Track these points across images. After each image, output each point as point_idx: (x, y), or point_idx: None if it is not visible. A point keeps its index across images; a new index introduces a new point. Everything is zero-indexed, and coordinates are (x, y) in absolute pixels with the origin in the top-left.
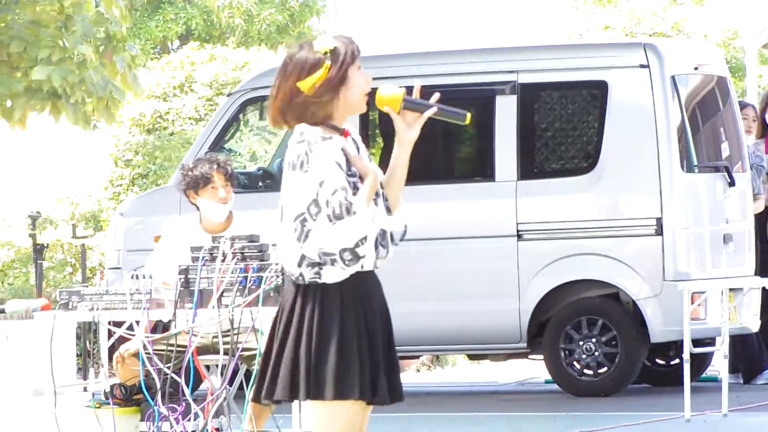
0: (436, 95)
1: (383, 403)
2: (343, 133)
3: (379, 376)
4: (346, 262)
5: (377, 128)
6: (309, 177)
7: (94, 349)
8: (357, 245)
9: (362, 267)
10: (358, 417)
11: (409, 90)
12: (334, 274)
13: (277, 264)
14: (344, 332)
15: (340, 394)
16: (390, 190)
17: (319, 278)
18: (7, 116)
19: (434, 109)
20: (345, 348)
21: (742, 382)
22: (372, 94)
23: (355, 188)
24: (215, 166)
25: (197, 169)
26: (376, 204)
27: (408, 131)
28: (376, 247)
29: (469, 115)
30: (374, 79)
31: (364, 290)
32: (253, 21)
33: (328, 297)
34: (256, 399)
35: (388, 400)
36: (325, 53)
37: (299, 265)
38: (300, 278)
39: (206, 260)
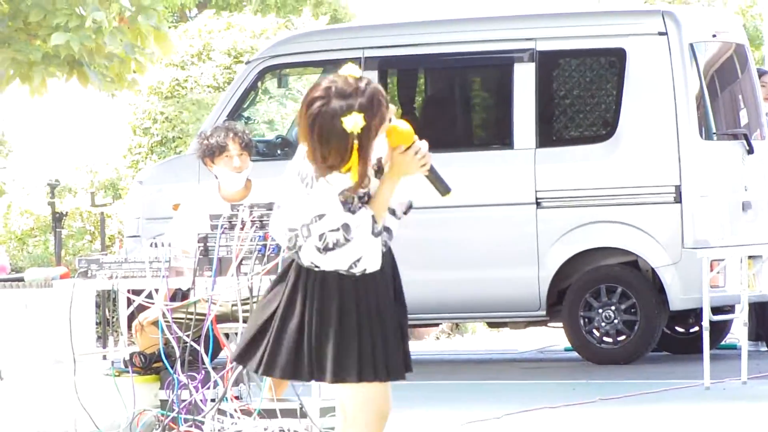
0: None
1: (398, 379)
2: None
3: (390, 354)
4: (346, 273)
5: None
6: (310, 202)
7: (113, 317)
8: (351, 267)
9: (363, 273)
10: (385, 390)
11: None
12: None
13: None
14: (343, 314)
15: (338, 376)
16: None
17: (317, 269)
18: (28, 82)
19: (427, 169)
20: (345, 330)
21: (763, 349)
22: None
23: (367, 195)
24: (231, 135)
25: (213, 137)
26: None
27: (402, 174)
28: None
29: (451, 192)
30: (393, 47)
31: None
32: None
33: (329, 278)
34: (240, 362)
35: (404, 376)
36: (354, 134)
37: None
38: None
39: (225, 228)
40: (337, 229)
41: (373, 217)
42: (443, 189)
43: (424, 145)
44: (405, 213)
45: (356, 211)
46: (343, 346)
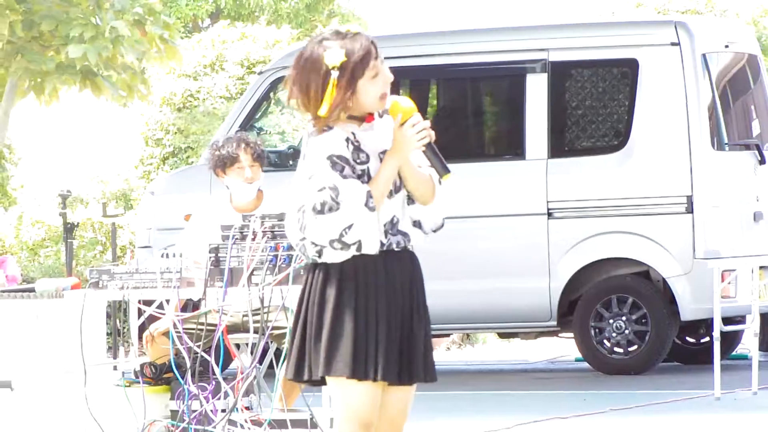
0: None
1: (391, 380)
2: (366, 119)
3: (379, 355)
4: (339, 250)
5: None
6: (303, 170)
7: (124, 327)
8: (341, 235)
9: (361, 252)
10: (368, 396)
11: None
12: (333, 255)
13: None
14: (338, 312)
15: (329, 372)
16: (407, 184)
17: (319, 257)
18: (39, 93)
19: (425, 144)
20: (337, 328)
21: None
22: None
23: (366, 176)
24: (243, 146)
25: (225, 148)
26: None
27: (401, 150)
28: (386, 234)
29: (449, 175)
30: (405, 57)
31: (369, 271)
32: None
33: (328, 277)
34: (291, 378)
35: (396, 380)
36: (333, 68)
37: (298, 244)
38: (305, 257)
39: (236, 239)
40: (323, 189)
41: (368, 192)
42: (442, 170)
43: (424, 122)
44: (434, 231)
45: (348, 177)
46: (335, 343)
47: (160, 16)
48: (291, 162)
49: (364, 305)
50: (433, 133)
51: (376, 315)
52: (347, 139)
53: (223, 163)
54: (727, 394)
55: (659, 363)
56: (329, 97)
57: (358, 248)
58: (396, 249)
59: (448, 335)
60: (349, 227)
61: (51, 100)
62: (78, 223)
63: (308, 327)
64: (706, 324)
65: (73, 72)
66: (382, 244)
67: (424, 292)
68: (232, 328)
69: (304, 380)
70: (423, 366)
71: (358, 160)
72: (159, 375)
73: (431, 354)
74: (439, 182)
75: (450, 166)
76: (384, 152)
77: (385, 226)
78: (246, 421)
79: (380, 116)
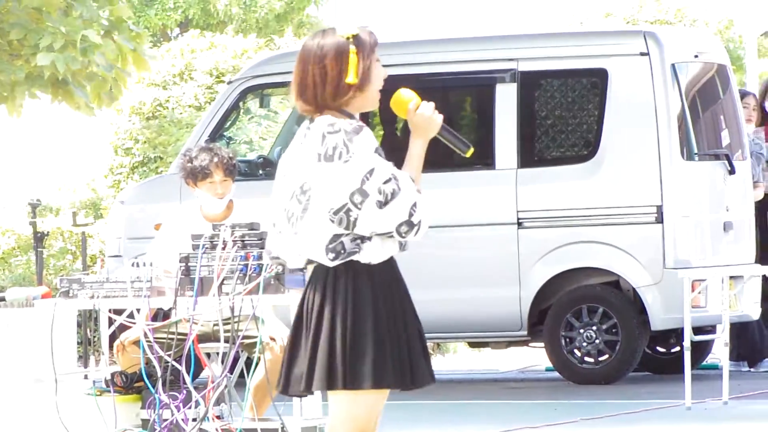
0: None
1: (425, 385)
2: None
3: (416, 360)
4: (403, 234)
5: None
6: (351, 167)
7: (94, 336)
8: (410, 214)
9: (418, 234)
10: (380, 404)
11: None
12: (378, 250)
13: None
14: (378, 318)
15: (378, 382)
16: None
17: (358, 250)
18: (7, 103)
19: (439, 126)
20: (380, 335)
21: (744, 369)
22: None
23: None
24: (215, 160)
25: (198, 159)
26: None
27: (427, 130)
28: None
29: (471, 150)
30: None
31: (394, 273)
32: (250, 9)
33: (360, 282)
34: (285, 392)
35: (431, 381)
36: (348, 38)
37: (329, 245)
38: (331, 258)
39: (207, 248)
40: (390, 179)
41: (411, 177)
42: (464, 147)
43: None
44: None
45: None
46: (355, 352)
47: (127, 25)
48: (260, 171)
49: (400, 308)
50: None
51: (408, 316)
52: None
53: (195, 176)
54: (697, 404)
55: (630, 373)
56: (354, 64)
57: (417, 230)
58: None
59: None
60: (415, 206)
61: (19, 110)
62: (48, 232)
63: (337, 336)
64: (677, 334)
65: (42, 83)
66: (401, 246)
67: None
68: (203, 338)
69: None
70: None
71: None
72: (130, 384)
73: None
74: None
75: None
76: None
77: None
78: (217, 430)
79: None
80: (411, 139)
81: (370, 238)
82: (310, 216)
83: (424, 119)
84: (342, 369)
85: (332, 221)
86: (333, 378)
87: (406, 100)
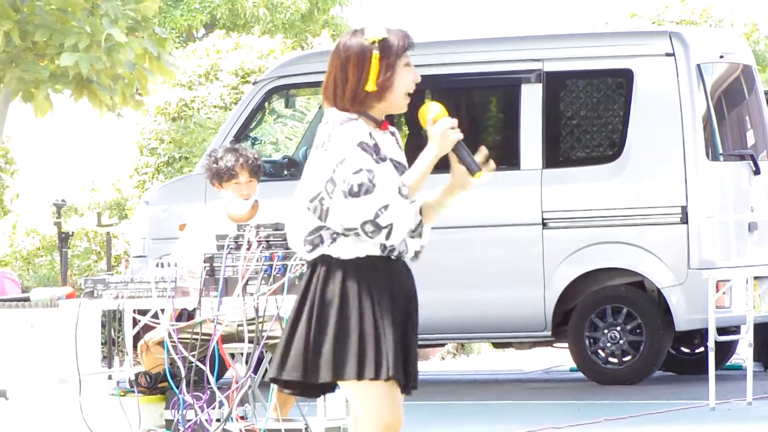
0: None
1: (399, 379)
2: (381, 125)
3: (389, 354)
4: (369, 234)
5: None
6: (328, 155)
7: (118, 337)
8: (377, 215)
9: (388, 240)
10: (387, 396)
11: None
12: (349, 247)
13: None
14: (342, 313)
15: (337, 376)
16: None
17: (331, 245)
18: (33, 101)
19: (456, 142)
20: (342, 328)
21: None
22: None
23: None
24: (241, 161)
25: (223, 160)
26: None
27: (439, 144)
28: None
29: (481, 173)
30: None
31: (371, 273)
32: (277, 10)
33: (330, 276)
34: (274, 381)
35: (401, 380)
36: (374, 42)
37: (307, 238)
38: (308, 251)
39: (231, 248)
40: (360, 170)
41: (401, 181)
42: (475, 168)
43: (453, 120)
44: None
45: (380, 162)
46: (340, 344)
47: (153, 25)
48: (285, 172)
49: (369, 305)
50: (461, 134)
51: (382, 315)
52: (370, 134)
53: (220, 177)
54: (721, 405)
55: (654, 373)
56: (374, 71)
57: (388, 234)
58: (392, 257)
59: (442, 345)
60: (385, 208)
61: (45, 110)
62: (73, 232)
63: (310, 329)
64: (701, 334)
65: (66, 81)
66: (385, 247)
67: (416, 304)
68: (227, 338)
69: (293, 384)
70: (413, 377)
71: (379, 156)
72: (154, 384)
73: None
74: (472, 178)
75: (444, 176)
76: (395, 160)
77: None
78: (241, 431)
79: (391, 133)
80: (425, 149)
81: (346, 234)
82: (295, 206)
83: (439, 134)
84: (302, 361)
85: (309, 209)
86: (309, 370)
87: (428, 112)
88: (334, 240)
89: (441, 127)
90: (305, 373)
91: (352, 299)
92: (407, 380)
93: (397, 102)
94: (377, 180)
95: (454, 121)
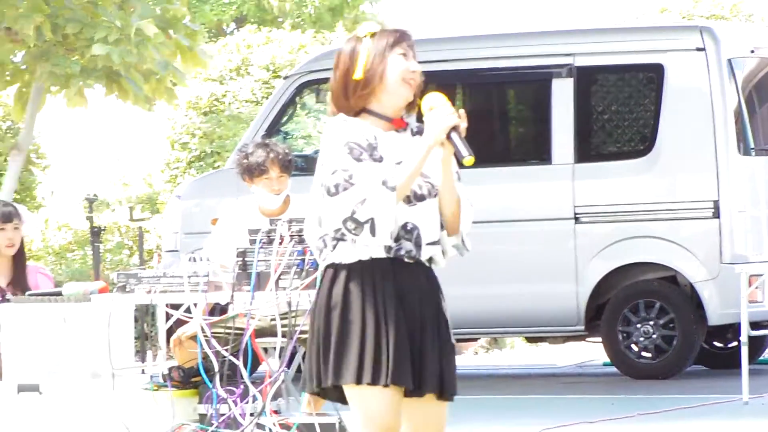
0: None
1: (403, 385)
2: (392, 121)
3: (390, 360)
4: (352, 231)
5: None
6: (318, 161)
7: (151, 331)
8: (353, 211)
9: (375, 234)
10: (384, 402)
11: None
12: (346, 250)
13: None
14: (345, 317)
15: (338, 379)
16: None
17: (332, 251)
18: (65, 94)
19: (452, 127)
20: (344, 333)
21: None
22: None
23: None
24: (271, 156)
25: (254, 156)
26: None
27: (431, 130)
28: (399, 239)
29: (472, 158)
30: (431, 62)
31: (377, 276)
32: (303, 4)
33: (335, 281)
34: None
35: (410, 385)
36: (365, 36)
37: (315, 243)
38: (317, 255)
39: (264, 243)
40: (336, 171)
41: (389, 173)
42: (466, 152)
43: (452, 108)
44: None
45: (365, 161)
46: (342, 348)
47: (183, 24)
48: (317, 166)
49: (372, 309)
50: (462, 121)
51: (386, 319)
52: (365, 133)
53: (251, 172)
54: (755, 399)
55: (687, 367)
56: (362, 60)
57: (372, 228)
58: (406, 259)
59: (475, 340)
60: (362, 202)
61: (77, 102)
62: (105, 227)
63: (319, 334)
64: (734, 328)
65: (97, 75)
66: (390, 249)
67: (437, 309)
68: (260, 332)
69: (314, 390)
70: (437, 381)
71: (369, 156)
72: (187, 379)
73: (450, 372)
74: (461, 164)
75: (476, 170)
76: (401, 162)
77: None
78: (274, 425)
79: (413, 134)
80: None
81: (344, 239)
82: (308, 210)
83: (433, 117)
84: (316, 366)
85: (316, 215)
86: (311, 377)
87: (427, 101)
88: (335, 244)
89: (437, 112)
90: (318, 379)
91: (355, 303)
92: (422, 383)
93: (392, 89)
94: (356, 179)
95: (447, 107)
